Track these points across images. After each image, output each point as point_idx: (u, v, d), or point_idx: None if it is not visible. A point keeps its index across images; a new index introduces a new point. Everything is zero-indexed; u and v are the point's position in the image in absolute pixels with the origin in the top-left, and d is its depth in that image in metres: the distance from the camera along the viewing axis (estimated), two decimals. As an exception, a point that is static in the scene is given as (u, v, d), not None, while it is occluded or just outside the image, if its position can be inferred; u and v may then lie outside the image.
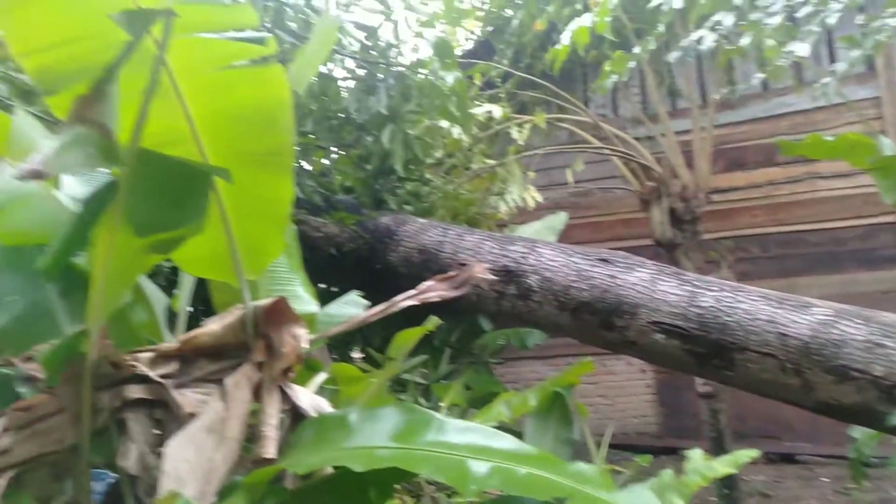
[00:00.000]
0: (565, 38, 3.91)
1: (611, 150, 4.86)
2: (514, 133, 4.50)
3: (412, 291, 1.95)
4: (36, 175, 1.02)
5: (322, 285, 3.94)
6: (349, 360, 4.23)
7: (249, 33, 1.31)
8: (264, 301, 1.73)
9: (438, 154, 4.53)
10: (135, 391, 1.52)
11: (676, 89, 6.25)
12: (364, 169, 4.22)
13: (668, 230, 4.74)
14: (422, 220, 4.05)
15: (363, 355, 4.15)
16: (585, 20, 3.85)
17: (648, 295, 3.08)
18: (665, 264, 3.44)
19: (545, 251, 3.51)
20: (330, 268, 3.99)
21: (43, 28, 1.23)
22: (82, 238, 1.38)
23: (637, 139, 5.13)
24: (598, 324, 3.20)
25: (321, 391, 1.91)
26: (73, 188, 2.14)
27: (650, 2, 3.82)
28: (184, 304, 2.47)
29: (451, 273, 1.99)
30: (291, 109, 1.50)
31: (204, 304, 2.36)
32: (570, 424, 2.28)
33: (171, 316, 2.18)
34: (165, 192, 1.52)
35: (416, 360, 3.40)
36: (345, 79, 4.14)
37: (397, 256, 3.98)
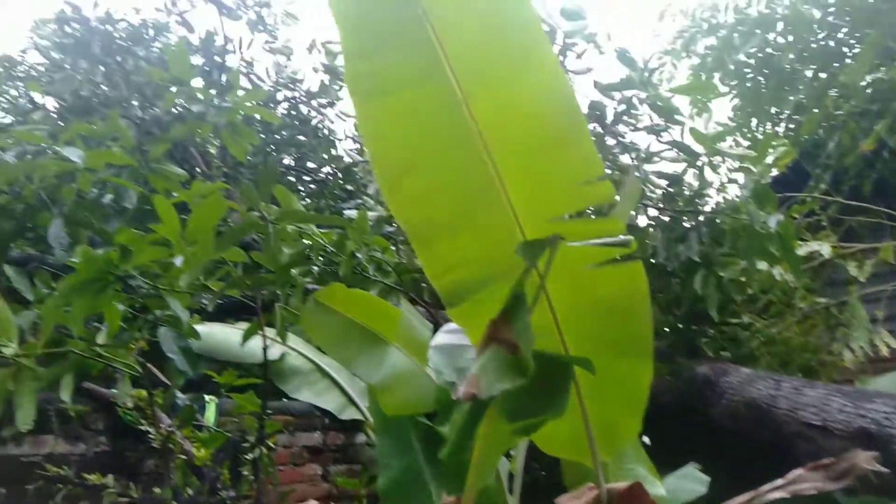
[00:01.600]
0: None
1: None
2: (852, 270, 3.97)
3: (779, 481, 1.76)
4: (474, 397, 1.19)
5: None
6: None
7: (615, 239, 1.42)
8: (620, 484, 1.71)
9: (750, 290, 4.20)
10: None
11: None
12: (673, 314, 4.08)
13: None
14: (746, 370, 3.70)
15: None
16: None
17: None
18: None
19: (919, 412, 2.90)
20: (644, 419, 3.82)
21: (445, 257, 1.50)
22: (473, 429, 1.55)
23: None
24: None
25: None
26: (440, 364, 2.45)
27: None
28: (520, 467, 2.57)
29: (828, 461, 1.75)
30: (649, 299, 1.54)
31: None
32: None
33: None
34: (533, 382, 1.64)
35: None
36: (648, 227, 4.16)
37: (720, 411, 3.66)
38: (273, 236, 2.25)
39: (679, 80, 7.63)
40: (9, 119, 6.21)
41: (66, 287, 1.96)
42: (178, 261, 1.99)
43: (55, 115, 6.00)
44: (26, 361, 2.18)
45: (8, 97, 7.47)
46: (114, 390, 2.55)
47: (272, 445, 2.64)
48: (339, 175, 6.88)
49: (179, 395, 2.46)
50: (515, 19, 1.36)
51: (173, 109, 6.05)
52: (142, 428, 2.43)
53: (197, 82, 4.37)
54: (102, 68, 5.84)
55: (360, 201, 6.17)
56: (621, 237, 1.41)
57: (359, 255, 3.75)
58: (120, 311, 2.34)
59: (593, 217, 1.57)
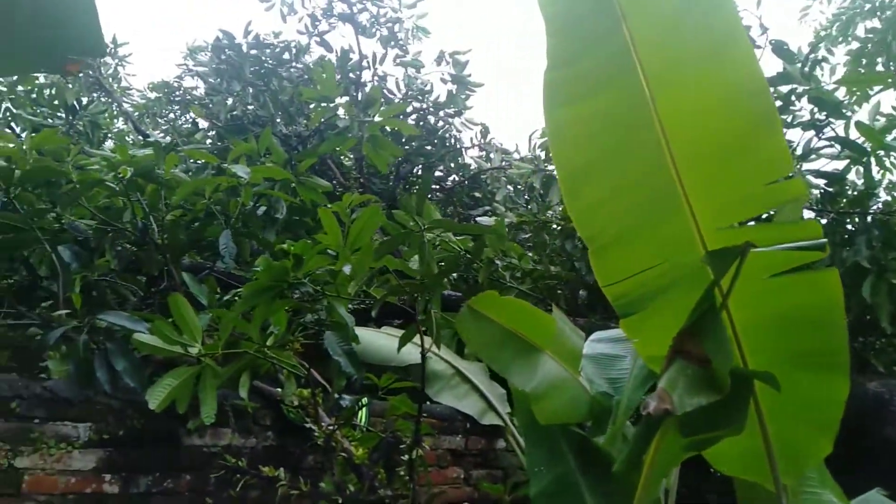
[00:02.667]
0: None
1: None
2: None
3: None
4: (666, 413, 1.15)
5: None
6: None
7: (809, 243, 1.32)
8: (804, 510, 1.59)
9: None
10: None
11: None
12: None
13: None
14: (926, 388, 3.33)
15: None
16: None
17: None
18: None
19: None
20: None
21: (620, 264, 1.48)
22: (648, 443, 1.50)
23: None
24: None
25: None
26: (593, 374, 2.41)
27: None
28: (674, 482, 2.46)
29: None
30: (843, 308, 1.43)
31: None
32: None
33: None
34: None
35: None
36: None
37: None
38: (426, 245, 2.32)
39: (836, 69, 7.00)
40: (168, 139, 6.83)
41: (249, 292, 2.13)
42: (348, 269, 2.11)
43: (210, 136, 6.57)
44: (208, 361, 2.39)
45: (166, 120, 8.27)
46: (279, 389, 2.74)
47: (427, 447, 2.71)
48: (467, 183, 6.99)
49: (345, 395, 2.60)
50: (712, 13, 1.31)
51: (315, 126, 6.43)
52: (305, 425, 2.59)
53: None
54: (251, 90, 6.32)
55: (488, 208, 6.22)
56: (815, 241, 1.31)
57: (497, 261, 3.78)
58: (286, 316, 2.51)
59: (778, 221, 1.46)
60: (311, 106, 5.49)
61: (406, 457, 2.31)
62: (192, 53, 7.51)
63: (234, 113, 6.17)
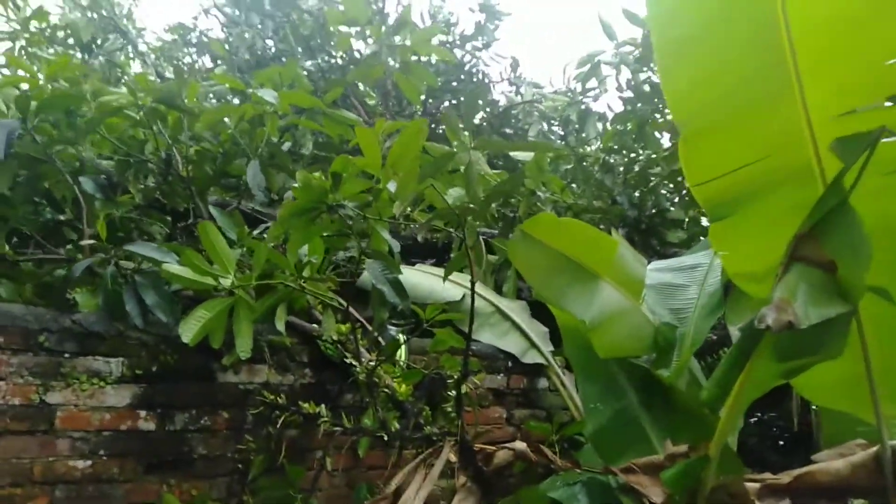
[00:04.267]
0: None
1: None
2: None
3: None
4: (788, 326, 0.97)
5: None
6: None
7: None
8: (909, 443, 1.42)
9: None
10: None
11: None
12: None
13: None
14: None
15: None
16: None
17: None
18: None
19: None
20: None
21: (714, 158, 1.27)
22: (740, 369, 1.34)
23: None
24: None
25: None
26: (655, 304, 2.23)
27: None
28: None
29: None
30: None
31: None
32: None
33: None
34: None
35: None
36: None
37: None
38: (472, 165, 2.12)
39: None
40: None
41: (285, 213, 1.97)
42: (392, 185, 1.93)
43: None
44: (242, 294, 2.25)
45: (183, 63, 8.03)
46: (315, 325, 2.61)
47: (478, 383, 2.59)
48: (497, 119, 6.70)
49: (390, 327, 2.46)
50: None
51: (338, 59, 6.16)
52: (344, 361, 2.47)
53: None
54: (271, 23, 6.05)
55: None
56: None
57: (539, 193, 3.58)
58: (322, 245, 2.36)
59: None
60: (336, 32, 5.22)
61: (453, 392, 2.18)
62: (211, -10, 7.22)
63: (254, 49, 5.94)
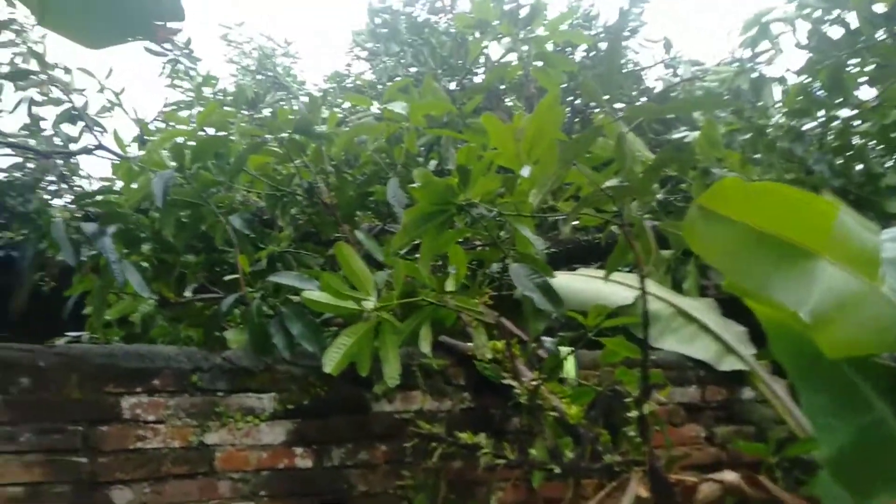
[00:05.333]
0: None
1: None
2: None
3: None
4: None
5: None
6: None
7: None
8: None
9: None
10: None
11: None
12: None
13: None
14: None
15: None
16: None
17: None
18: None
19: None
20: None
21: None
22: None
23: None
24: None
25: None
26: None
27: None
28: None
29: None
30: None
31: None
32: None
33: None
34: None
35: None
36: None
37: None
38: (623, 140, 1.76)
39: None
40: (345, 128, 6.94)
41: (409, 220, 1.76)
42: (526, 171, 1.63)
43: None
44: (385, 315, 2.08)
45: (341, 109, 8.44)
46: (469, 344, 2.37)
47: (663, 400, 2.17)
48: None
49: (547, 339, 2.15)
50: None
51: (480, 75, 6.03)
52: (504, 382, 2.19)
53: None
54: (410, 50, 6.09)
55: (684, 128, 5.38)
56: None
57: (714, 170, 3.07)
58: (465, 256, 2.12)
59: None
60: (470, 40, 5.10)
61: (634, 412, 1.80)
62: (356, 37, 7.54)
63: (395, 77, 6.00)
